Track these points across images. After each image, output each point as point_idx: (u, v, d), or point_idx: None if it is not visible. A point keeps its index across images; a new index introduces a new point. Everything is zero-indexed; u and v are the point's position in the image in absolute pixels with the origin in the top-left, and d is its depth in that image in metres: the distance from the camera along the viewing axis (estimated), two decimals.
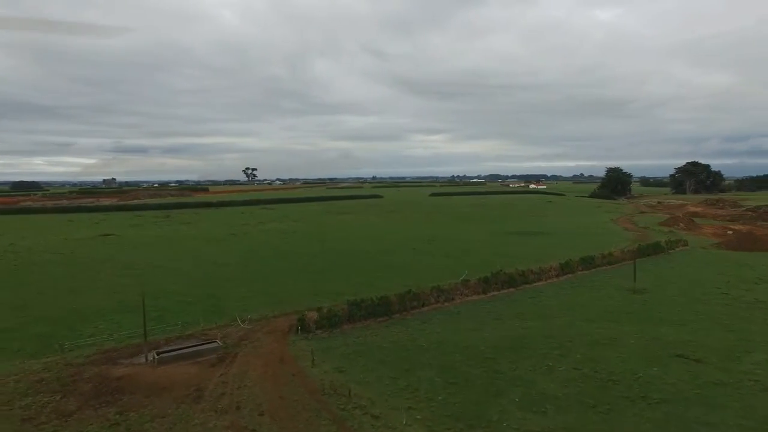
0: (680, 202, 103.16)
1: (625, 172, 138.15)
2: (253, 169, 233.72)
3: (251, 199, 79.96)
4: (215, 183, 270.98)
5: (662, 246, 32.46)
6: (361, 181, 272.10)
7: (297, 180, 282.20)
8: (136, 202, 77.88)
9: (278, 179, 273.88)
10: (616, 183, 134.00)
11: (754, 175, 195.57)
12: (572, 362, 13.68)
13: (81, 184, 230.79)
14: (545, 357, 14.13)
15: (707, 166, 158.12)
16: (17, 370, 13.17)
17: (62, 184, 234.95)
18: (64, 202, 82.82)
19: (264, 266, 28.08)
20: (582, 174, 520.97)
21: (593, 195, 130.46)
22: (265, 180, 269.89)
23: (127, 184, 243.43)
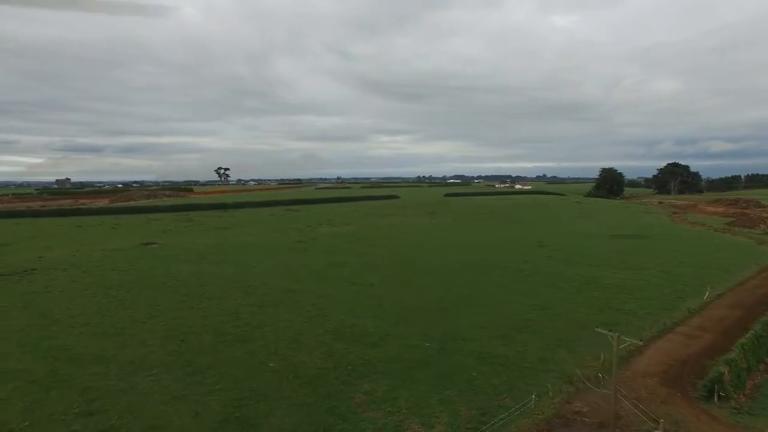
0: (683, 202, 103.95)
1: (619, 173, 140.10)
2: (226, 169, 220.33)
3: (269, 200, 71.48)
4: (175, 184, 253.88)
5: None
6: (339, 182, 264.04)
7: (270, 180, 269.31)
8: (144, 203, 67.25)
9: (249, 180, 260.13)
10: (611, 183, 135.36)
11: (704, 177, 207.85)
12: None
13: (28, 184, 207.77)
14: None
15: (687, 167, 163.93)
16: None
17: (6, 185, 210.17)
18: (39, 203, 70.62)
19: (428, 288, 21.76)
20: (545, 175, 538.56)
21: (590, 195, 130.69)
22: (229, 180, 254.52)
23: (81, 184, 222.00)
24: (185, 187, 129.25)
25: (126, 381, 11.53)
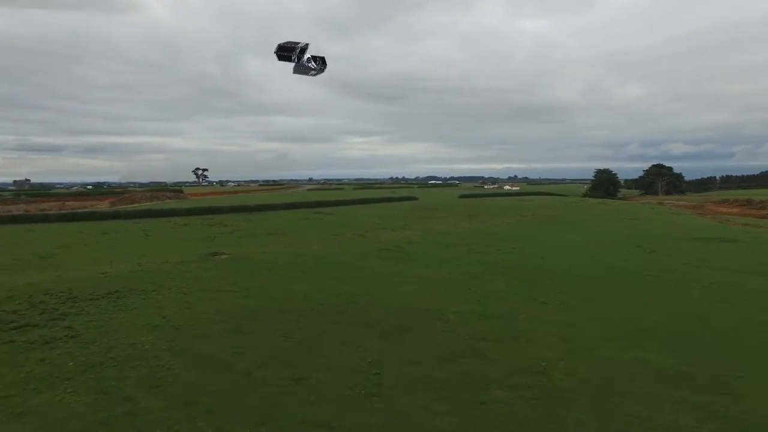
0: (685, 202, 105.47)
1: (614, 173, 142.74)
2: (204, 170, 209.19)
3: (293, 202, 66.04)
4: (142, 185, 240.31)
5: None
6: (324, 182, 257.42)
7: (248, 181, 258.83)
8: (159, 206, 60.07)
9: (228, 181, 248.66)
10: (608, 184, 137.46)
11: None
12: None
13: None
14: None
15: (670, 168, 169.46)
16: None
17: None
18: (22, 206, 62.12)
19: (639, 304, 18.28)
20: (516, 176, 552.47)
21: (586, 195, 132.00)
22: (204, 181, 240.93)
23: (41, 185, 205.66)
24: (176, 188, 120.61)
25: None
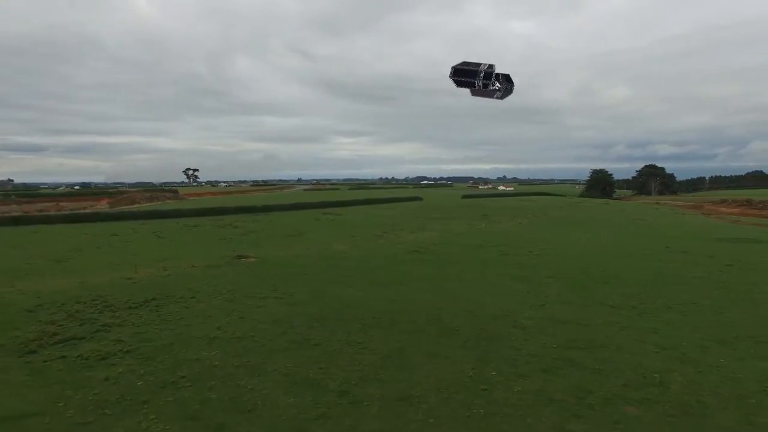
0: (682, 202, 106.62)
1: (609, 174, 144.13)
2: (195, 170, 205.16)
3: (298, 202, 64.53)
4: (130, 186, 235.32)
5: None
6: (315, 182, 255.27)
7: (239, 182, 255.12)
8: (162, 206, 57.82)
9: (220, 181, 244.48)
10: (604, 184, 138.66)
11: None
12: None
13: None
14: None
15: (662, 169, 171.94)
16: None
17: None
18: (15, 207, 59.43)
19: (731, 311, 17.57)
20: (505, 176, 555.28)
21: (583, 195, 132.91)
22: (191, 181, 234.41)
23: (25, 185, 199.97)
24: (171, 189, 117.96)
25: None
